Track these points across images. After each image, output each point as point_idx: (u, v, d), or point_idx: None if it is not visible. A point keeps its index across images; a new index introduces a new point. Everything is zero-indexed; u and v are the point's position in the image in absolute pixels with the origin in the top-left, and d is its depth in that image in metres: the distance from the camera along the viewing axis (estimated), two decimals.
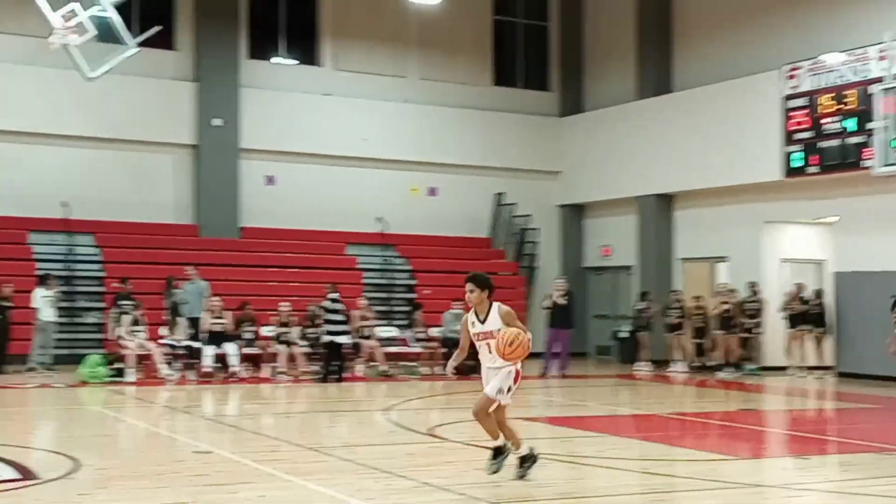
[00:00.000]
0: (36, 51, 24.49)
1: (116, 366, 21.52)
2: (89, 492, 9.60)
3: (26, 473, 10.25)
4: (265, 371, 22.69)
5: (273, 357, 22.84)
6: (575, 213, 32.66)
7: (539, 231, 31.93)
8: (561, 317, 24.72)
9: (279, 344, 22.92)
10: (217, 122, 28.64)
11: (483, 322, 9.69)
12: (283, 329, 23.15)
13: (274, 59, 30.25)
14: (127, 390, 20.22)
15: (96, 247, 27.05)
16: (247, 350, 22.85)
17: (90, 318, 25.10)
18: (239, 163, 29.05)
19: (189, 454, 12.14)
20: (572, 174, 32.19)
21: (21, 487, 9.64)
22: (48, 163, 27.16)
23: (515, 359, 9.55)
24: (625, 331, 28.72)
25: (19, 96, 26.75)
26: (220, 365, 22.30)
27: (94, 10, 21.01)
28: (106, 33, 21.73)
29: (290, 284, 26.79)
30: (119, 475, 10.47)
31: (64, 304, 24.29)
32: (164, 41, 27.44)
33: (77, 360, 21.95)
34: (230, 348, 22.35)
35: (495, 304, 9.73)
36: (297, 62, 30.55)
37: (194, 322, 22.76)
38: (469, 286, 9.75)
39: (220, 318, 22.69)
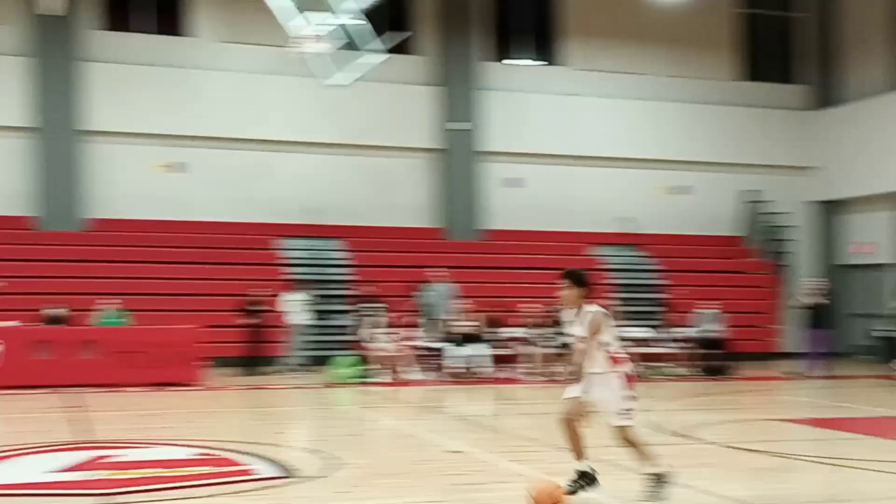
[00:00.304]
0: (282, 61, 25.06)
1: (366, 367, 21.74)
2: (347, 489, 9.57)
3: (286, 471, 10.29)
4: (512, 371, 22.54)
5: (520, 358, 22.67)
6: (829, 210, 31.32)
7: (793, 229, 30.74)
8: (819, 317, 23.74)
9: (526, 345, 22.72)
10: (459, 125, 28.73)
11: (577, 324, 8.89)
12: (534, 330, 22.94)
13: (515, 61, 30.14)
14: (376, 390, 20.37)
15: (344, 251, 27.51)
16: (494, 351, 22.73)
17: (340, 321, 25.49)
18: (481, 165, 29.05)
19: (440, 453, 12.02)
20: (827, 169, 30.82)
21: (283, 485, 9.70)
22: (296, 170, 27.81)
23: None
24: (884, 330, 27.26)
25: (268, 106, 27.46)
26: (467, 366, 22.26)
27: (339, 19, 21.34)
28: (351, 40, 22.05)
29: (535, 286, 26.54)
30: (374, 473, 10.41)
31: (314, 308, 24.74)
32: (406, 46, 27.74)
33: (327, 361, 22.29)
34: (478, 349, 22.30)
35: (586, 308, 8.87)
36: (538, 63, 30.35)
37: (442, 323, 22.82)
38: (564, 282, 8.93)
39: (467, 319, 22.68)
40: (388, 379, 21.53)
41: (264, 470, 10.38)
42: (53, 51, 26.17)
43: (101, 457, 10.93)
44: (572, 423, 9.02)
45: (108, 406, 17.05)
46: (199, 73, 27.23)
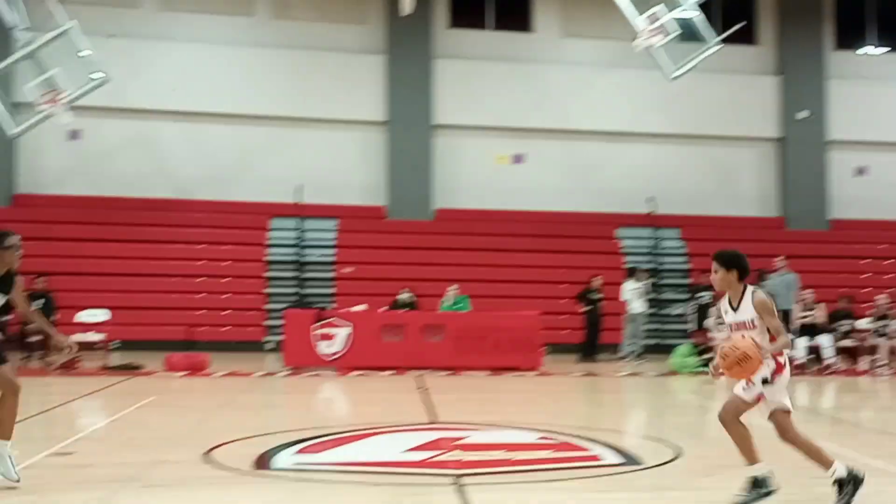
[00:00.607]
0: (620, 53, 25.20)
1: (705, 356, 21.52)
2: (693, 479, 9.58)
3: (629, 458, 10.37)
4: (863, 364, 21.80)
5: (872, 350, 21.90)
6: None
7: None
8: None
9: (878, 336, 21.92)
10: (802, 114, 28.03)
11: (736, 310, 8.11)
12: (881, 322, 22.10)
13: (863, 49, 29.15)
14: (716, 380, 20.09)
15: (681, 240, 27.35)
16: (842, 343, 22.05)
17: (677, 310, 25.36)
18: (827, 154, 28.21)
19: (784, 445, 11.74)
20: None
21: (628, 472, 9.78)
22: (634, 160, 27.94)
23: (733, 376, 8.11)
24: None
25: (606, 98, 27.73)
26: (813, 357, 21.70)
27: (678, 12, 21.27)
28: (687, 32, 21.93)
29: (886, 277, 25.61)
30: (718, 465, 10.31)
31: (652, 296, 24.72)
32: (744, 36, 27.27)
33: (665, 350, 22.24)
34: (824, 340, 21.71)
35: (749, 289, 8.05)
36: (885, 50, 29.20)
37: (785, 314, 22.30)
38: (713, 265, 8.15)
39: (811, 310, 22.10)
40: None
41: (607, 456, 10.48)
42: (407, 48, 27.37)
43: (450, 438, 11.25)
44: (734, 423, 8.51)
45: (451, 388, 17.63)
46: (540, 67, 27.81)
